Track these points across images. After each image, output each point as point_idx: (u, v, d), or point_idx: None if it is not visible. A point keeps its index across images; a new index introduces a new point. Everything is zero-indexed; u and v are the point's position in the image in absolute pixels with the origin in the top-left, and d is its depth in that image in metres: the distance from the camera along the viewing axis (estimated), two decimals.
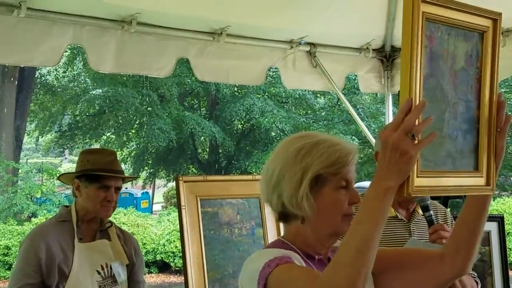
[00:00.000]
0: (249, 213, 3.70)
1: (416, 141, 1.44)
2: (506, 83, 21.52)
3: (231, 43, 4.85)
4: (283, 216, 1.83)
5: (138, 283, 3.30)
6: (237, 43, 4.90)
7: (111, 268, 3.13)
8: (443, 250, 1.87)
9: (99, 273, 3.09)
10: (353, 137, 21.15)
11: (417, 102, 1.45)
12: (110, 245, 3.18)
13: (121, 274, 3.15)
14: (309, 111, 25.55)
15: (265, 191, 1.84)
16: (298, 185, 1.74)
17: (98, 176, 3.13)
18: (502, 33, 4.68)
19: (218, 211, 3.62)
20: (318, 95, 24.87)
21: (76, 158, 3.36)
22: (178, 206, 3.49)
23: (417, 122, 1.45)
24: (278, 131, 23.51)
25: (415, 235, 2.68)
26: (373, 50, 5.43)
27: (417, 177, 1.48)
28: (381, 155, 1.48)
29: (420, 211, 2.75)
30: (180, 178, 3.54)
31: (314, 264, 1.80)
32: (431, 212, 2.63)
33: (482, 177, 1.65)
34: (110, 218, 3.27)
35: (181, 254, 12.67)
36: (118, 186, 3.20)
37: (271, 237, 3.71)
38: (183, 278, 13.23)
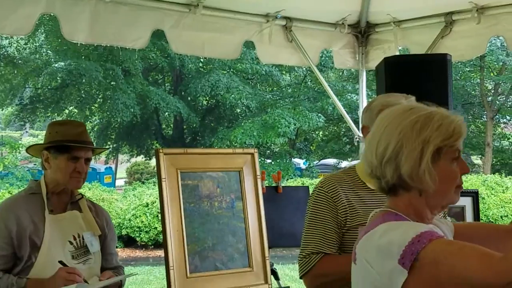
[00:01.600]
0: (229, 187, 3.69)
1: None
2: (471, 62, 21.81)
3: (207, 16, 4.81)
4: (394, 188, 1.83)
5: (111, 255, 3.28)
6: (213, 15, 4.86)
7: (83, 238, 3.10)
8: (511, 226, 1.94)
9: (71, 243, 3.07)
10: (319, 114, 21.24)
11: None
12: (82, 217, 3.16)
13: (94, 245, 3.13)
14: (275, 88, 25.57)
15: (374, 164, 1.83)
16: (419, 159, 1.75)
17: (67, 147, 3.09)
18: (477, 10, 4.77)
19: (198, 184, 3.59)
20: (284, 72, 24.88)
21: (37, 132, 3.30)
22: (158, 178, 3.46)
23: None
24: (244, 107, 23.52)
25: None
26: (348, 25, 5.44)
27: None
28: None
29: None
30: (161, 151, 3.51)
31: None
32: None
33: None
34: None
35: (147, 229, 12.64)
36: (88, 157, 3.17)
37: (251, 210, 3.71)
38: (148, 252, 13.22)
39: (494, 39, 18.90)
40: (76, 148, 3.11)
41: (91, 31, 4.34)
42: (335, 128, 25.69)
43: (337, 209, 2.56)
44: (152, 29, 4.64)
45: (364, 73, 5.73)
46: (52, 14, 4.27)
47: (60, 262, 2.95)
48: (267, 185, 4.80)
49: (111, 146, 27.65)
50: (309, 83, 24.30)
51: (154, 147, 26.28)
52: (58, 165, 3.09)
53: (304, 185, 13.20)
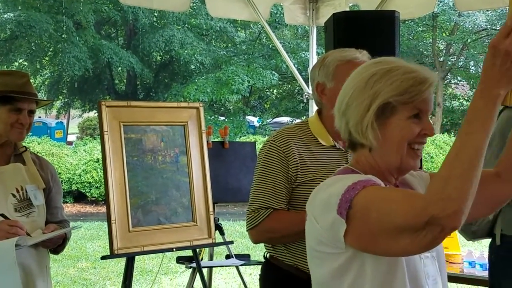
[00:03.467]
0: (173, 141, 3.65)
1: None
2: (424, 22, 21.97)
3: None
4: (351, 144, 1.78)
5: (56, 209, 3.22)
6: None
7: (26, 191, 3.04)
8: (498, 169, 1.90)
9: (14, 196, 3.00)
10: (273, 72, 21.21)
11: None
12: (25, 169, 3.08)
13: (37, 198, 3.07)
14: (229, 45, 25.37)
15: (336, 118, 1.78)
16: (364, 113, 1.69)
17: (10, 98, 3.01)
18: None
19: (142, 138, 3.55)
20: (239, 28, 24.69)
21: None
22: (101, 131, 3.40)
23: None
24: (198, 64, 23.30)
25: None
26: None
27: None
28: (490, 63, 1.47)
29: None
30: (103, 103, 3.44)
31: None
32: None
33: None
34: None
35: (97, 185, 12.53)
36: (31, 109, 3.08)
37: (195, 165, 3.69)
38: (99, 208, 13.14)
39: None
40: (19, 99, 3.02)
41: None
42: (289, 86, 25.71)
43: (288, 164, 2.52)
44: None
45: (315, 30, 5.71)
46: None
47: (1, 215, 2.89)
48: (214, 140, 4.79)
49: (62, 100, 27.20)
50: (264, 40, 24.17)
51: (105, 100, 25.88)
52: (0, 116, 3.02)
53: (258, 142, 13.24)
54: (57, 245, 3.12)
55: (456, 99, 25.69)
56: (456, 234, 4.55)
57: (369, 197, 1.59)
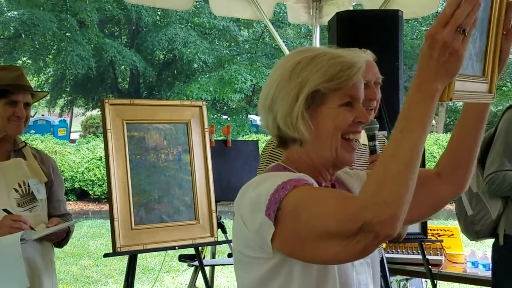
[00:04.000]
0: (176, 139, 3.65)
1: (464, 37, 1.30)
2: (427, 22, 21.94)
3: None
4: (281, 140, 1.65)
5: (58, 202, 3.22)
6: None
7: (28, 186, 3.04)
8: (438, 169, 1.75)
9: (16, 191, 3.00)
10: None
11: None
12: (26, 164, 3.08)
13: (40, 192, 3.07)
14: (232, 43, 25.38)
15: (262, 114, 1.66)
16: (293, 104, 1.56)
17: (4, 91, 3.01)
18: None
19: (145, 136, 3.54)
20: (242, 27, 24.69)
21: None
22: (104, 129, 3.40)
23: None
24: (201, 62, 23.33)
25: (354, 164, 2.62)
26: None
27: (456, 80, 1.36)
28: (427, 55, 1.32)
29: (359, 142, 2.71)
30: (106, 101, 3.43)
31: None
32: (376, 142, 2.57)
33: (487, 83, 1.53)
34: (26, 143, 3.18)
35: (100, 182, 12.53)
36: (27, 101, 3.07)
37: (198, 163, 3.69)
38: (101, 206, 13.16)
39: None
40: (14, 92, 3.02)
41: None
42: None
43: None
44: None
45: (318, 29, 5.70)
46: None
47: (5, 210, 2.89)
48: (217, 139, 4.79)
49: (65, 98, 27.23)
50: (266, 39, 24.18)
51: (109, 98, 25.90)
52: None
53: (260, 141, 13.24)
54: (60, 239, 3.12)
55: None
56: (459, 234, 4.55)
57: (299, 198, 1.45)
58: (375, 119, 2.62)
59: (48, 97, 27.21)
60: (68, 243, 3.23)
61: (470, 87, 1.45)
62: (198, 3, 20.18)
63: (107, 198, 3.42)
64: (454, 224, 7.97)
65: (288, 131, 1.59)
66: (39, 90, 3.33)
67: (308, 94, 1.55)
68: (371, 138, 2.58)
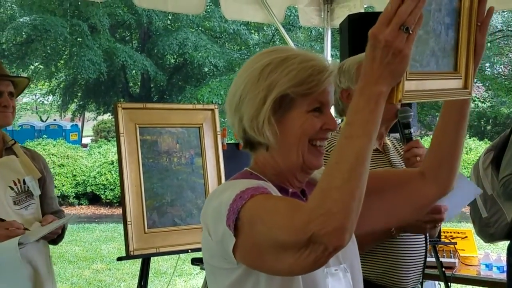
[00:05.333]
0: (189, 142, 3.66)
1: (408, 36, 1.23)
2: None
3: None
4: (248, 143, 1.59)
5: (51, 199, 3.21)
6: None
7: (24, 183, 3.03)
8: (422, 169, 1.70)
9: (12, 188, 2.99)
10: None
11: None
12: (19, 161, 3.07)
13: (35, 188, 3.07)
14: (243, 47, 25.38)
15: (228, 114, 1.60)
16: (260, 107, 1.50)
17: None
18: None
19: (157, 140, 3.56)
20: (253, 31, 24.71)
21: None
22: (117, 133, 3.42)
23: None
24: (211, 66, 23.34)
25: (397, 166, 2.56)
26: None
27: (406, 80, 1.28)
28: (370, 56, 1.25)
29: (389, 142, 2.67)
30: (119, 105, 3.46)
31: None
32: (412, 130, 2.52)
33: (460, 78, 1.46)
34: (39, 149, 3.17)
35: (112, 187, 12.53)
36: (10, 91, 3.06)
37: (210, 167, 3.70)
38: (113, 210, 13.20)
39: None
40: None
41: None
42: None
43: None
44: None
45: (329, 31, 5.70)
46: None
47: None
48: (229, 142, 4.79)
49: (77, 103, 27.34)
50: (277, 42, 24.17)
51: (122, 102, 25.97)
52: None
53: None
54: (56, 236, 3.11)
55: (472, 101, 25.52)
56: (473, 236, 4.52)
57: (255, 208, 1.40)
58: (408, 107, 2.56)
59: (59, 102, 27.32)
60: (63, 239, 3.21)
61: (432, 85, 1.37)
62: (208, 7, 20.18)
63: (120, 201, 3.43)
64: (467, 227, 7.92)
65: (254, 134, 1.53)
66: (20, 76, 3.31)
67: (276, 98, 1.50)
68: (407, 125, 2.53)
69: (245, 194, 1.42)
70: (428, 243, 2.59)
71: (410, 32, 1.22)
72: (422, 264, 2.55)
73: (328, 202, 1.25)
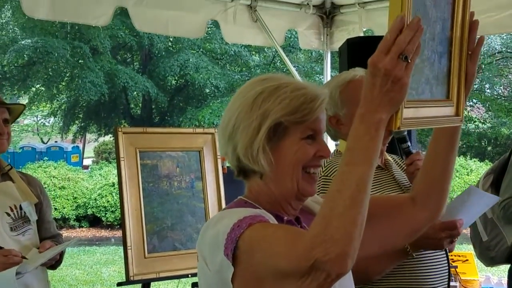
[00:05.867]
0: (189, 166, 3.68)
1: (407, 64, 1.25)
2: None
3: None
4: (241, 172, 1.61)
5: (49, 223, 3.20)
6: None
7: (21, 208, 3.02)
8: (412, 194, 1.70)
9: (8, 214, 2.98)
10: None
11: (409, 19, 1.25)
12: (16, 187, 3.07)
13: (32, 214, 3.06)
14: (244, 68, 25.48)
15: (221, 143, 1.63)
16: (254, 135, 1.51)
17: None
18: None
19: (158, 164, 3.57)
20: (254, 52, 24.80)
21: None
22: (117, 158, 3.43)
23: None
24: (213, 87, 23.40)
25: (401, 181, 2.56)
26: (313, 6, 5.43)
27: (405, 107, 1.30)
28: (369, 83, 1.27)
29: (389, 157, 2.66)
30: (119, 129, 3.47)
31: None
32: (408, 143, 2.52)
33: (452, 106, 1.48)
34: (40, 172, 3.18)
35: (112, 209, 12.52)
36: (5, 118, 3.06)
37: (211, 191, 3.70)
38: (114, 232, 13.18)
39: None
40: None
41: (52, 7, 4.25)
42: None
43: None
44: (115, 6, 4.57)
45: (329, 54, 5.74)
46: None
47: None
48: (229, 165, 4.80)
49: (78, 124, 27.37)
50: (278, 64, 24.26)
51: (122, 126, 26.05)
52: None
53: None
54: (54, 261, 3.09)
55: (472, 122, 25.56)
56: (474, 260, 4.51)
57: (254, 236, 1.41)
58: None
59: (61, 124, 27.35)
60: (61, 264, 3.19)
61: (427, 112, 1.39)
62: (209, 29, 20.32)
63: (120, 224, 3.43)
64: (468, 249, 7.89)
65: (249, 163, 1.54)
66: (15, 103, 3.32)
67: (270, 126, 1.51)
68: (403, 140, 2.54)
69: (243, 222, 1.42)
70: (449, 259, 2.54)
71: (409, 60, 1.24)
72: (446, 282, 2.49)
73: (330, 228, 1.26)
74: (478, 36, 1.52)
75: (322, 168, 2.44)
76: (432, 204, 1.68)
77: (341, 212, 1.26)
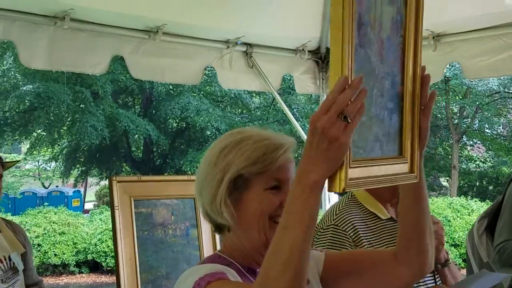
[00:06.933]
0: (184, 214, 3.67)
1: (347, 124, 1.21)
2: (436, 86, 22.08)
3: (167, 42, 4.79)
4: (215, 226, 1.61)
5: (30, 270, 3.21)
6: (173, 41, 4.84)
7: (10, 259, 3.02)
8: (395, 249, 1.67)
9: None
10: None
11: (351, 78, 1.21)
12: (3, 236, 3.07)
13: (19, 264, 3.07)
14: (244, 111, 25.62)
15: (197, 198, 1.64)
16: (217, 189, 1.54)
17: None
18: (433, 38, 4.85)
19: (152, 212, 3.57)
20: (254, 94, 24.97)
21: (5, 155, 3.23)
22: (111, 206, 3.44)
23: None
24: (214, 130, 23.49)
25: None
26: (308, 51, 5.47)
27: (350, 167, 1.24)
28: (308, 142, 1.23)
29: None
30: (114, 178, 3.48)
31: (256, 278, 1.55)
32: None
33: (406, 163, 1.44)
34: (40, 217, 3.19)
35: (113, 254, 12.48)
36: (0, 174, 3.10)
37: (206, 238, 3.69)
38: (114, 278, 13.11)
39: (458, 64, 19.16)
40: None
41: (49, 58, 4.29)
42: None
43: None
44: (112, 55, 4.61)
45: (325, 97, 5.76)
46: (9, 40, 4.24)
47: None
48: None
49: (80, 168, 27.38)
50: (277, 105, 24.37)
51: (124, 170, 26.07)
52: None
53: None
54: None
55: (473, 161, 25.57)
56: None
57: None
58: None
59: (62, 168, 27.35)
60: None
61: (376, 171, 1.34)
62: (210, 72, 20.47)
63: (115, 275, 3.42)
64: None
65: (215, 217, 1.56)
66: (9, 161, 3.35)
67: (231, 179, 1.53)
68: None
69: (203, 281, 1.45)
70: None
71: (349, 120, 1.20)
72: None
73: None
74: (431, 91, 1.49)
75: (333, 216, 2.46)
76: (412, 261, 1.64)
77: (275, 277, 1.25)
